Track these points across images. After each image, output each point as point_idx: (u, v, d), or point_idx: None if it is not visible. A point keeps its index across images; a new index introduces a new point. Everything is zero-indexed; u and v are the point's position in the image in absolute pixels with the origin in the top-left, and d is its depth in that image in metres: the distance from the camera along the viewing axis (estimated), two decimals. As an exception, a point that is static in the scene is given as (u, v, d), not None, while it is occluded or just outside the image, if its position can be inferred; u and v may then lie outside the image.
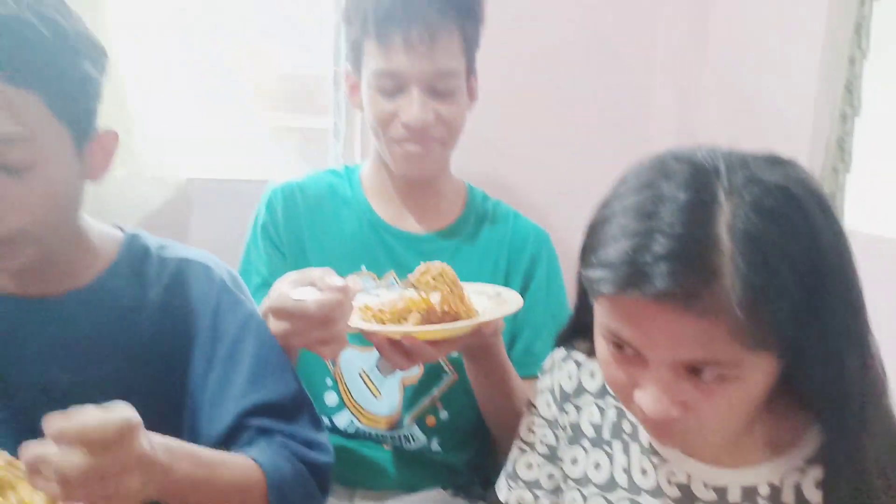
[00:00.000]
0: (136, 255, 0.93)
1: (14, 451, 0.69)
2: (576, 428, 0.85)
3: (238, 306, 0.94)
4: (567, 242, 1.35)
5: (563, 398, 0.86)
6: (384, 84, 1.14)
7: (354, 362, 1.20)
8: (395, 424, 1.19)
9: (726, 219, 0.60)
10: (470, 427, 1.22)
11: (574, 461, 0.85)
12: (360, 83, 1.20)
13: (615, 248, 0.62)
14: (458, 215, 1.29)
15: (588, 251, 0.67)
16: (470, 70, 1.20)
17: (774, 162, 0.65)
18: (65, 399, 0.85)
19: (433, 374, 1.21)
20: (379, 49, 1.13)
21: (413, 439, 1.20)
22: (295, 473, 0.84)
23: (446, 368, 1.21)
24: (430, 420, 1.21)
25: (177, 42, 1.49)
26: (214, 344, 0.91)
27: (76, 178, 0.84)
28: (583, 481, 0.83)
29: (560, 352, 0.89)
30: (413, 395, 1.20)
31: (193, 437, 0.86)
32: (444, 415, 1.21)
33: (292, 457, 0.85)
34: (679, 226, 0.60)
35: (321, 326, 0.91)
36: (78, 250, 0.89)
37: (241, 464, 0.80)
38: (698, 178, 0.62)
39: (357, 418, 1.20)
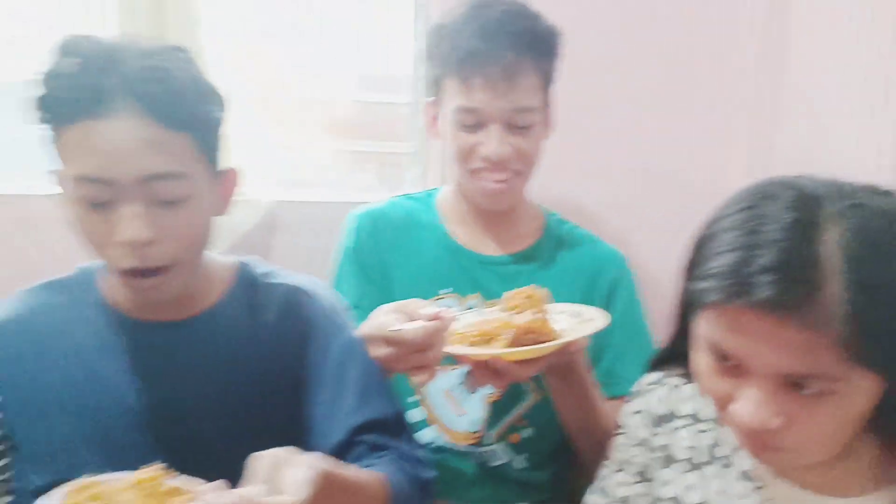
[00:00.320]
0: (247, 283, 1.00)
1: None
2: (668, 450, 0.87)
3: (342, 330, 1.00)
4: (641, 265, 1.39)
5: (656, 421, 0.89)
6: (465, 120, 1.20)
7: (439, 381, 1.24)
8: (480, 441, 1.24)
9: (830, 237, 0.63)
10: (554, 444, 1.25)
11: (666, 483, 0.87)
12: (440, 115, 1.25)
13: (721, 261, 0.66)
14: (535, 239, 1.33)
15: (693, 266, 0.71)
16: (547, 103, 1.25)
17: (876, 191, 0.68)
18: (188, 417, 0.92)
19: (516, 392, 1.24)
20: (460, 87, 1.18)
21: (497, 456, 1.24)
22: (410, 487, 0.90)
23: (529, 387, 1.24)
24: (515, 437, 1.25)
25: (253, 68, 1.57)
26: (322, 366, 0.97)
27: (212, 212, 0.91)
28: (676, 502, 0.85)
29: (652, 375, 0.92)
30: (497, 412, 1.24)
31: (307, 450, 0.92)
32: (527, 432, 1.25)
33: (404, 472, 0.90)
34: (784, 241, 0.63)
35: (418, 354, 0.97)
36: (201, 278, 0.96)
37: (374, 480, 0.86)
38: (802, 202, 0.66)
39: (442, 435, 1.24)
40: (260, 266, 1.04)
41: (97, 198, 0.83)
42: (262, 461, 0.70)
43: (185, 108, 0.85)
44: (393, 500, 0.87)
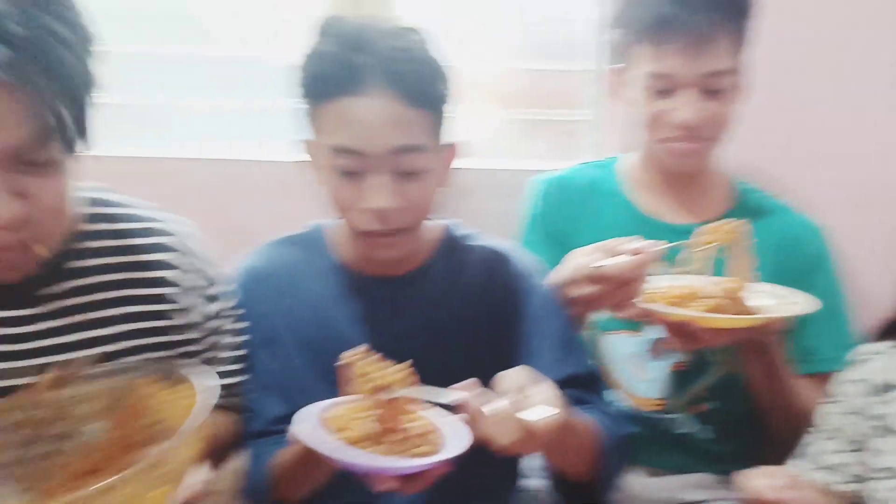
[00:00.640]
0: (451, 244, 1.07)
1: None
2: (886, 420, 0.86)
3: (539, 289, 1.05)
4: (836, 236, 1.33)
5: (875, 390, 0.88)
6: (656, 85, 1.18)
7: (623, 345, 1.25)
8: (663, 408, 1.24)
9: None
10: (741, 416, 1.24)
11: (882, 453, 0.86)
12: (628, 82, 1.24)
13: None
14: (726, 208, 1.30)
15: None
16: (741, 65, 1.21)
17: None
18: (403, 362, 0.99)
19: (703, 363, 1.24)
20: (652, 52, 1.17)
21: (681, 424, 1.24)
22: (616, 440, 0.94)
23: (718, 359, 1.24)
24: (700, 407, 1.24)
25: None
26: (522, 324, 1.02)
27: (439, 183, 0.98)
28: (891, 473, 0.84)
29: (875, 344, 0.90)
30: (682, 381, 1.24)
31: None
32: (714, 403, 1.24)
33: (608, 425, 0.95)
34: None
35: (623, 288, 0.98)
36: (418, 238, 1.03)
37: (588, 425, 0.92)
38: None
39: (625, 399, 1.26)
40: (461, 229, 1.10)
41: (349, 167, 0.91)
42: (510, 379, 0.76)
43: (425, 87, 0.92)
44: (604, 449, 0.91)
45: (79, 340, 0.85)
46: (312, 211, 1.07)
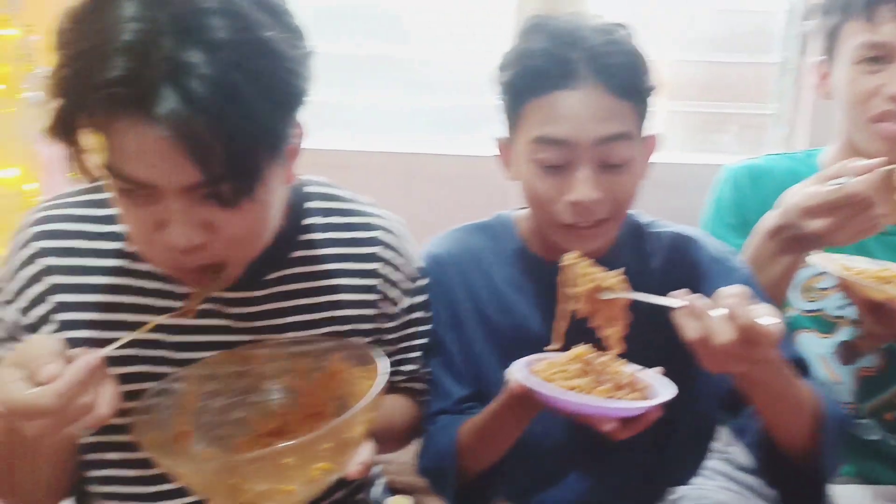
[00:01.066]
0: (634, 231, 1.07)
1: None
2: None
3: (731, 273, 1.03)
4: None
5: None
6: (869, 55, 1.12)
7: (812, 346, 1.21)
8: (852, 413, 1.20)
9: None
10: (937, 427, 1.17)
11: None
12: (834, 67, 1.19)
13: None
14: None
15: None
16: None
17: None
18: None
19: (895, 369, 1.18)
20: (866, 24, 1.12)
21: (870, 431, 1.19)
22: (836, 417, 0.93)
23: (914, 364, 1.17)
24: (890, 415, 1.19)
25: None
26: None
27: (640, 175, 0.99)
28: None
29: None
30: (871, 387, 1.19)
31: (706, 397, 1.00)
32: (905, 412, 1.18)
33: (828, 399, 0.93)
34: None
35: (862, 212, 0.95)
36: None
37: (806, 386, 0.92)
38: None
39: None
40: (643, 216, 1.10)
41: (553, 160, 0.93)
42: (731, 290, 0.78)
43: (633, 79, 0.94)
44: (824, 419, 0.90)
45: (291, 323, 0.91)
46: (495, 202, 1.12)
